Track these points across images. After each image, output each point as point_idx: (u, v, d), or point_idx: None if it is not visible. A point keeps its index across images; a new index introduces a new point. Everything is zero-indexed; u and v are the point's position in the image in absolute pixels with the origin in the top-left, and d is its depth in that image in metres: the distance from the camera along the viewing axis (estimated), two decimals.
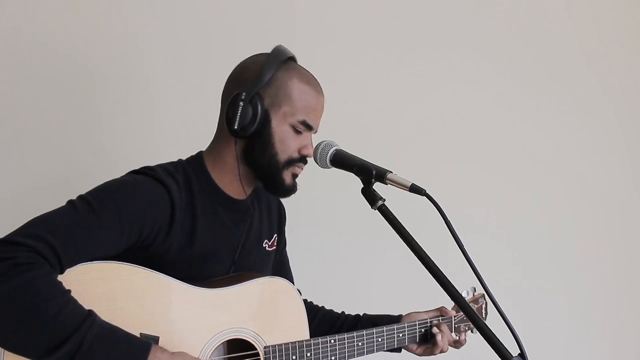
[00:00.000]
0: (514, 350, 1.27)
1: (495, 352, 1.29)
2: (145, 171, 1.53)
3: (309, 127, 1.59)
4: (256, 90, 1.54)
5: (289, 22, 2.44)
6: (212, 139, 1.66)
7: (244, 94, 1.53)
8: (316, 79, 1.64)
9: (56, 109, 2.11)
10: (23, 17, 2.08)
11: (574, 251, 2.93)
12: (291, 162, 1.59)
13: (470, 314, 1.34)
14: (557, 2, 2.94)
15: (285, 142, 1.57)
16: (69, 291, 1.31)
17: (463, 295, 1.88)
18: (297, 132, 1.58)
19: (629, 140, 3.07)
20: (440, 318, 1.84)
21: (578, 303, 2.92)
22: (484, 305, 1.98)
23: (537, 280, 2.84)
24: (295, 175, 1.62)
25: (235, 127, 1.54)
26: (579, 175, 2.95)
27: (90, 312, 1.30)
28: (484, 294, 1.97)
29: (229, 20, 2.33)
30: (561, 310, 2.88)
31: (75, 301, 1.30)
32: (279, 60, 1.57)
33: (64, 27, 2.12)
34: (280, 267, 1.86)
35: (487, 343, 1.30)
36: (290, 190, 1.62)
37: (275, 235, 1.80)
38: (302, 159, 1.61)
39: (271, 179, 1.60)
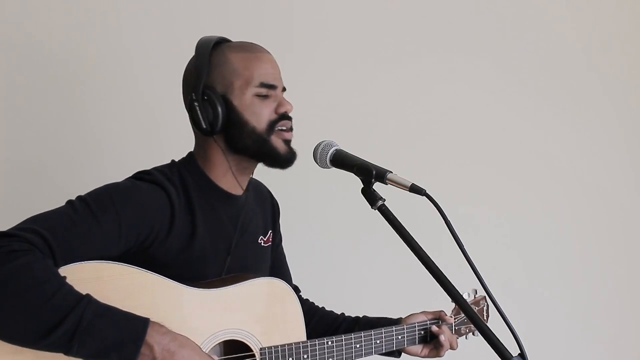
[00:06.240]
0: (514, 350, 1.27)
1: (495, 352, 1.29)
2: (142, 176, 1.54)
3: (271, 87, 1.58)
4: (203, 85, 1.54)
5: (288, 21, 2.44)
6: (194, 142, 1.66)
7: (193, 94, 1.55)
8: (252, 43, 1.62)
9: (55, 110, 2.11)
10: (22, 16, 2.08)
11: (575, 251, 2.93)
12: (273, 126, 1.57)
13: (470, 314, 1.34)
14: (558, 1, 2.93)
15: (257, 112, 1.56)
16: (65, 277, 1.31)
17: (464, 297, 1.87)
18: (263, 97, 1.57)
19: (629, 140, 3.06)
20: (439, 322, 1.83)
21: (578, 303, 2.91)
22: (485, 308, 1.97)
23: (537, 280, 2.83)
24: (287, 141, 1.60)
25: (205, 127, 1.55)
26: (580, 175, 2.94)
27: (87, 294, 1.31)
28: (485, 296, 1.96)
29: (227, 20, 2.33)
30: (561, 310, 2.88)
31: (70, 285, 1.30)
32: (207, 49, 1.57)
33: (64, 27, 2.12)
34: (277, 265, 1.86)
35: (487, 343, 1.30)
36: (289, 157, 1.60)
37: (270, 231, 1.79)
38: (282, 117, 1.58)
39: (265, 153, 1.58)
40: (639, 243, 3.05)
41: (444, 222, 1.35)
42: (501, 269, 2.68)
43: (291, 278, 1.91)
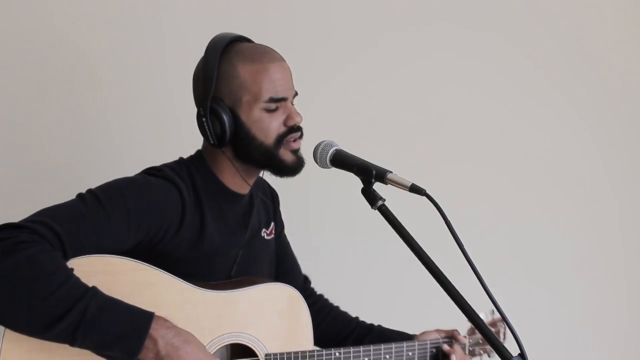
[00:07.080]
0: (514, 350, 1.27)
1: (495, 352, 1.29)
2: (153, 172, 1.53)
3: (280, 100, 1.55)
4: (210, 98, 1.52)
5: (288, 20, 2.44)
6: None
7: (201, 109, 1.54)
8: (263, 48, 1.59)
9: (59, 108, 2.11)
10: (25, 15, 2.08)
11: (575, 252, 2.92)
12: (281, 139, 1.56)
13: (467, 310, 1.33)
14: (558, 1, 2.93)
15: (265, 127, 1.54)
16: (72, 269, 1.31)
17: (481, 317, 1.73)
18: (271, 111, 1.55)
19: (630, 141, 3.06)
20: (452, 341, 1.77)
21: (578, 303, 2.91)
22: (502, 331, 1.84)
23: (537, 280, 2.83)
24: (295, 151, 1.59)
25: (212, 142, 1.55)
26: (581, 176, 2.94)
27: (93, 286, 1.30)
28: (502, 319, 1.89)
29: (231, 20, 2.32)
30: (561, 311, 2.87)
31: (77, 277, 1.30)
32: (217, 54, 1.54)
33: (68, 26, 2.13)
34: (282, 255, 1.85)
35: (487, 343, 1.30)
36: (296, 167, 1.60)
37: (272, 222, 1.79)
38: (291, 130, 1.57)
39: (272, 164, 1.58)
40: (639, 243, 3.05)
41: (444, 222, 1.35)
42: (501, 269, 2.68)
43: (299, 267, 1.89)
